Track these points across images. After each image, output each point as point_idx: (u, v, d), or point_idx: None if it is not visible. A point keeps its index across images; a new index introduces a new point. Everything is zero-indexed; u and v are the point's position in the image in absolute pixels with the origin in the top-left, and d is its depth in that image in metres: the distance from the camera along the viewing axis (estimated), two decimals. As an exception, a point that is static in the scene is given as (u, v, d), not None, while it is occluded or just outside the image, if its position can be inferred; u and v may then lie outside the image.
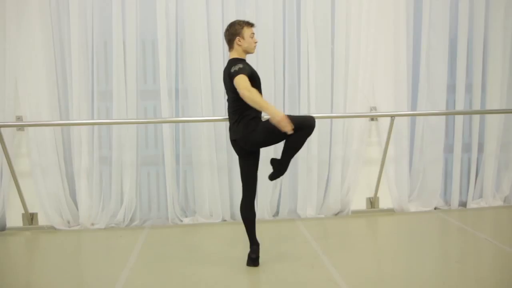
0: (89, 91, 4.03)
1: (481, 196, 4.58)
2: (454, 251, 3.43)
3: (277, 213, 4.36)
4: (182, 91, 4.17)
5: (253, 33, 2.97)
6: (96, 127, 4.03)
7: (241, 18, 4.03)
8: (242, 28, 2.93)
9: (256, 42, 2.99)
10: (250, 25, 2.97)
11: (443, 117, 4.41)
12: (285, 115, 2.63)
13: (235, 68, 2.79)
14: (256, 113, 2.91)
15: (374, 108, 4.27)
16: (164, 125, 4.08)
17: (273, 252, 3.37)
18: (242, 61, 2.93)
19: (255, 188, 3.14)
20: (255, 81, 2.91)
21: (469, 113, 4.44)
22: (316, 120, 4.14)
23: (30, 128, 3.93)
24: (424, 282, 2.86)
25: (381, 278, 2.96)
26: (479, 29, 4.37)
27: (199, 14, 4.03)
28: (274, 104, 4.14)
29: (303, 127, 2.79)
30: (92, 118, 4.03)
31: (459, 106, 4.42)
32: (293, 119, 2.71)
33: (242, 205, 3.14)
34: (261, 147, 3.09)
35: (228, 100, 3.02)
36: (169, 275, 3.06)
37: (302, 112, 4.21)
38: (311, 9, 4.13)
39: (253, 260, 3.11)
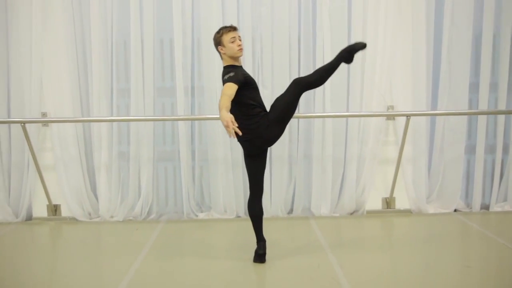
0: (109, 88, 4.18)
1: (505, 199, 4.41)
2: (468, 255, 3.33)
3: (291, 211, 4.37)
4: (198, 89, 4.24)
5: (234, 37, 2.92)
6: (115, 123, 4.18)
7: (256, 17, 4.10)
8: (221, 36, 2.94)
9: (239, 45, 2.93)
10: (228, 29, 2.94)
11: (465, 116, 4.26)
12: (230, 120, 2.58)
13: (226, 76, 2.85)
14: (257, 111, 2.95)
15: (391, 107, 4.19)
16: (180, 122, 4.17)
17: (282, 249, 3.40)
18: (235, 68, 2.94)
19: (262, 186, 3.17)
20: (251, 85, 2.95)
21: (489, 113, 4.25)
22: (332, 119, 4.17)
23: (53, 124, 4.13)
24: (430, 286, 2.80)
25: (386, 280, 2.91)
26: (506, 23, 4.17)
27: (215, 12, 4.08)
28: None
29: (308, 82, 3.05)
30: (112, 115, 4.18)
31: (482, 106, 4.25)
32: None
33: (249, 203, 3.19)
34: (280, 136, 3.06)
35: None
36: (177, 268, 3.15)
37: (317, 111, 4.19)
38: (327, 4, 4.08)
39: (259, 256, 3.15)
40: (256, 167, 3.11)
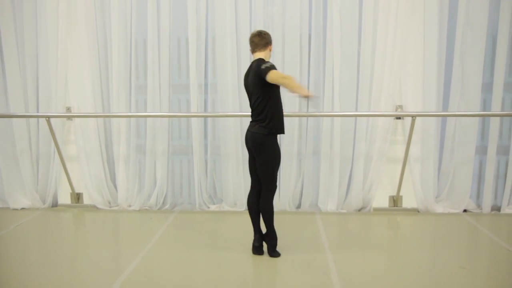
0: (128, 85, 4.43)
1: (517, 202, 4.35)
2: (466, 257, 3.33)
3: (299, 206, 4.50)
4: (211, 86, 4.42)
5: None
6: (133, 118, 4.43)
7: (269, 16, 4.24)
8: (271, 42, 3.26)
9: None
10: None
11: (477, 117, 4.22)
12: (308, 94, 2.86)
13: (266, 64, 3.01)
14: (278, 116, 3.14)
15: (400, 107, 4.21)
16: (193, 118, 4.37)
17: (283, 242, 3.52)
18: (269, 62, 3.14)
19: (259, 183, 3.30)
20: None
21: (494, 115, 4.15)
22: (340, 118, 4.25)
23: (77, 118, 4.43)
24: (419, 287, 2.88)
25: (377, 278, 2.99)
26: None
27: (228, 12, 4.23)
28: (299, 102, 4.30)
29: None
30: (130, 110, 4.44)
31: (496, 106, 4.19)
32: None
33: (249, 197, 3.34)
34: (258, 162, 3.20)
35: (254, 99, 3.15)
36: (179, 256, 3.37)
37: (326, 109, 4.27)
38: (338, 4, 4.13)
39: (256, 248, 3.33)
40: (253, 163, 3.26)
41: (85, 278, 3.05)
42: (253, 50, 3.21)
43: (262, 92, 3.06)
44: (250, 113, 3.27)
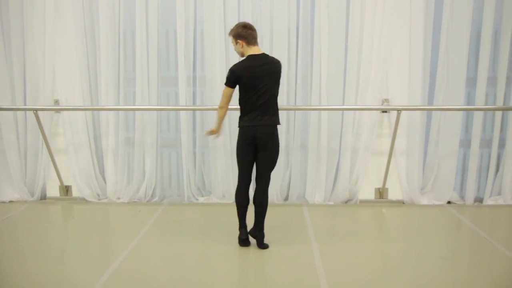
0: (116, 77, 4.42)
1: (499, 193, 4.46)
2: (447, 247, 3.42)
3: (287, 198, 4.56)
4: (200, 79, 4.43)
5: None
6: (121, 111, 4.43)
7: (257, 9, 4.25)
8: None
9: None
10: None
11: (461, 111, 4.30)
12: None
13: None
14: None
15: (386, 101, 4.27)
16: (181, 111, 4.38)
17: (270, 234, 3.55)
18: None
19: (251, 176, 3.35)
20: None
21: (477, 109, 4.26)
22: (327, 112, 4.30)
23: (65, 111, 4.42)
24: (402, 277, 2.96)
25: (362, 269, 3.06)
26: (508, 20, 4.16)
27: (216, 5, 4.23)
28: (287, 96, 4.33)
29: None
30: (119, 102, 4.44)
31: (480, 100, 4.28)
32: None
33: (239, 192, 3.35)
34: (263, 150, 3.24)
35: (271, 92, 3.22)
36: (167, 247, 3.41)
37: (314, 103, 4.32)
38: (326, -2, 4.17)
39: (243, 241, 3.38)
40: (249, 156, 3.24)
41: (74, 270, 3.08)
42: (253, 43, 3.19)
43: (278, 85, 3.26)
44: (238, 107, 3.28)
